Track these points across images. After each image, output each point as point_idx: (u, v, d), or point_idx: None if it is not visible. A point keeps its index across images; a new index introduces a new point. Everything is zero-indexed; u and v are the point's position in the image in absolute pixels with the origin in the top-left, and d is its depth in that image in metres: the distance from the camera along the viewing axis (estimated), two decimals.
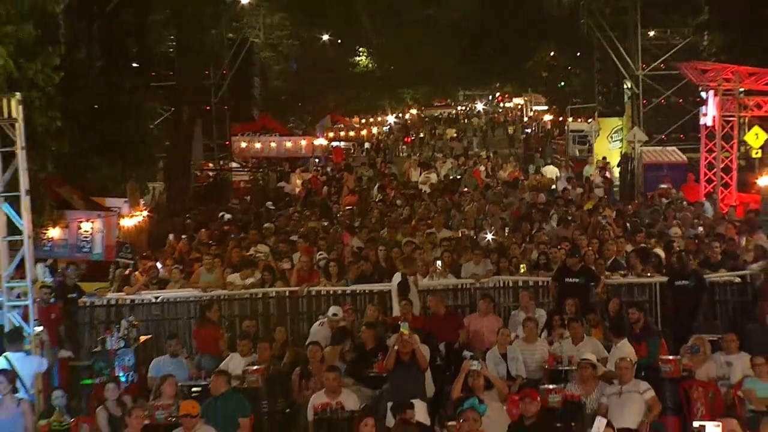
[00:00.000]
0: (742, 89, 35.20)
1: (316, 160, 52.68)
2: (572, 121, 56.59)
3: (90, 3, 27.79)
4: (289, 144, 52.98)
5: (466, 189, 36.01)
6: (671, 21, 45.11)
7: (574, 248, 22.14)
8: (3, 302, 17.00)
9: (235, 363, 16.43)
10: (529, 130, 64.92)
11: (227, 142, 50.25)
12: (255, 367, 16.28)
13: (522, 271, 21.63)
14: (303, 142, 54.01)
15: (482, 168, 47.49)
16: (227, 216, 33.81)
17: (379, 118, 67.13)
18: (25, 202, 14.54)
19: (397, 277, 19.87)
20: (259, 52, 54.84)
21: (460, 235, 26.67)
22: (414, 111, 70.54)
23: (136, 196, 32.96)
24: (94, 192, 29.42)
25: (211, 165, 47.78)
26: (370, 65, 65.31)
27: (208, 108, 47.28)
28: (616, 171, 43.87)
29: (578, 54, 57.73)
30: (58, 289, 20.81)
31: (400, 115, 69.59)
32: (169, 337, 18.51)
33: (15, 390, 14.13)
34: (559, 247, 23.02)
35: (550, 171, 46.00)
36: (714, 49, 42.61)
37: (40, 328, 16.54)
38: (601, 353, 15.65)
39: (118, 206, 31.50)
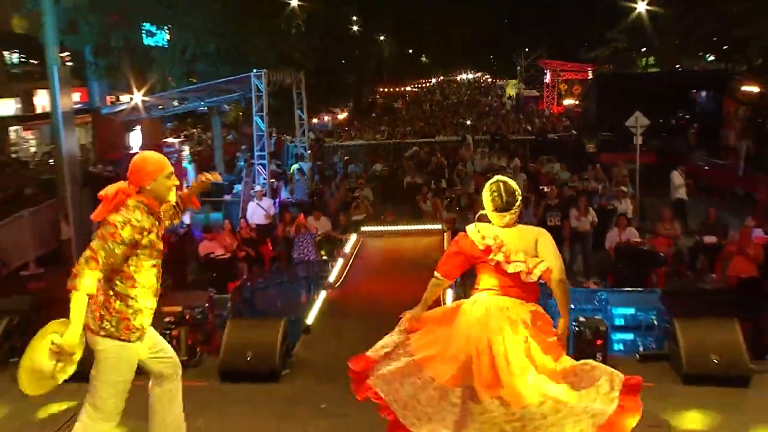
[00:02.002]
0: (560, 69, 34.10)
1: (407, 96, 51.35)
2: (498, 82, 53.87)
3: (318, 34, 26.25)
4: (397, 89, 51.80)
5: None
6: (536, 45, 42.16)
7: (499, 126, 21.54)
8: (297, 143, 16.83)
9: (377, 167, 16.26)
10: (483, 85, 61.84)
11: (375, 89, 48.89)
12: (384, 168, 16.24)
13: (480, 134, 21.03)
14: (402, 89, 52.66)
15: (465, 99, 46.10)
16: (373, 115, 33.55)
17: (429, 80, 64.49)
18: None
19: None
20: (386, 56, 52.93)
21: (459, 121, 26.04)
22: (441, 77, 67.59)
23: (342, 108, 32.50)
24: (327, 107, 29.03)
25: (369, 97, 46.61)
26: (428, 60, 62.75)
27: (367, 77, 45.85)
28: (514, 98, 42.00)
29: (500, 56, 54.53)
30: (315, 139, 20.61)
31: (437, 79, 66.76)
32: (355, 158, 18.30)
33: (303, 174, 14.24)
34: (494, 125, 22.43)
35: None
36: (548, 55, 39.61)
37: (309, 151, 16.50)
38: (509, 163, 15.08)
39: (336, 112, 31.16)
